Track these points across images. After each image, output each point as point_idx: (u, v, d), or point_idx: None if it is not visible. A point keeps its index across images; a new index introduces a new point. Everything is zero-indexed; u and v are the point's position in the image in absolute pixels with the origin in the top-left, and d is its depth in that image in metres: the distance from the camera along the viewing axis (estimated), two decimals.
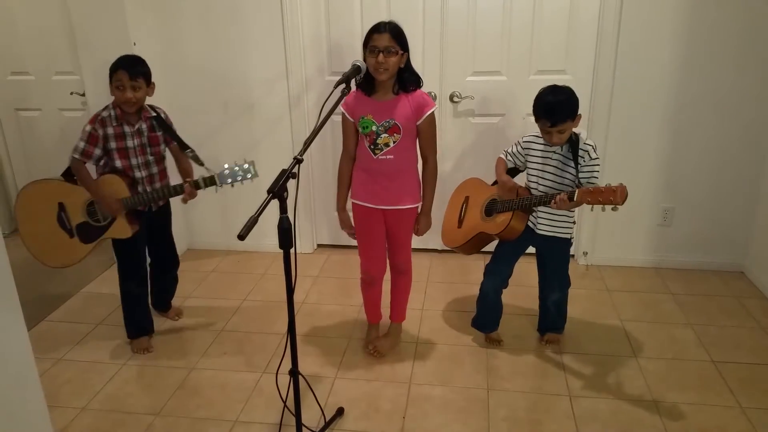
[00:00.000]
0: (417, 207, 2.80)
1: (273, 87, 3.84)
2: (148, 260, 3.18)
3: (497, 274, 2.95)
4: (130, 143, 2.83)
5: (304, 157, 1.99)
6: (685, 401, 2.61)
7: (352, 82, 2.53)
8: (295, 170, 1.95)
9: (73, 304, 3.59)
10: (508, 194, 2.79)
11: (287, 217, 1.92)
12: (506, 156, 2.90)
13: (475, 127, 3.81)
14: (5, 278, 1.97)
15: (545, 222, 2.76)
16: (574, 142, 2.63)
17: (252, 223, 1.80)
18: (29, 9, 4.16)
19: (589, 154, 2.60)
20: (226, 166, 2.75)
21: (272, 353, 3.03)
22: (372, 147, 2.64)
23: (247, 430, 2.50)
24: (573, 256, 3.99)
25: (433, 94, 3.71)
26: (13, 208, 4.72)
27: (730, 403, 2.60)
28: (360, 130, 2.64)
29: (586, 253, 3.91)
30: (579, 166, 2.60)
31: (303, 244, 4.16)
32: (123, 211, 2.82)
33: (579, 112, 2.60)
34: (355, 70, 2.45)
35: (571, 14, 3.47)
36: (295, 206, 2.07)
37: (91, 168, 2.85)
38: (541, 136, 2.72)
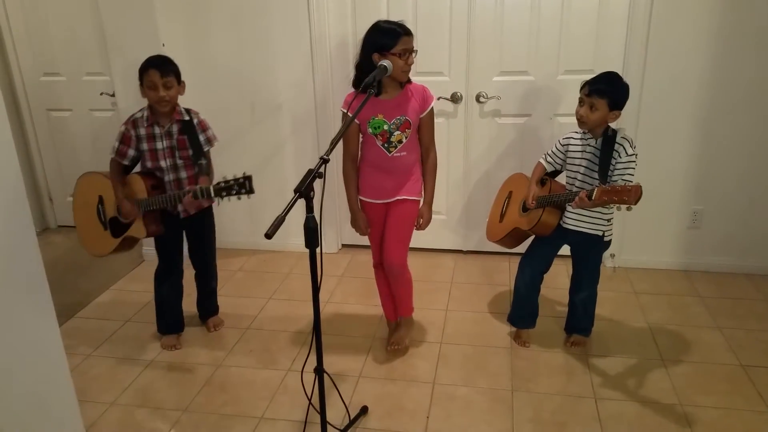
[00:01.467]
0: (419, 201, 2.81)
1: (299, 88, 3.86)
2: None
3: (527, 267, 2.96)
4: (159, 145, 2.85)
5: (330, 157, 1.99)
6: (712, 405, 2.57)
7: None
8: (321, 170, 1.96)
9: (103, 301, 3.65)
10: (542, 189, 2.81)
11: (313, 217, 1.94)
12: (545, 158, 2.90)
13: (501, 128, 3.79)
14: (38, 276, 2.02)
15: (572, 216, 2.75)
16: (609, 136, 2.61)
17: (279, 222, 1.81)
18: (61, 11, 4.24)
19: (625, 149, 2.57)
20: (223, 178, 2.58)
21: (297, 351, 3.05)
22: (386, 145, 2.65)
23: (273, 426, 2.53)
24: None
25: (459, 93, 3.71)
26: (48, 203, 4.84)
27: (759, 407, 2.56)
28: (370, 131, 2.64)
29: (614, 255, 3.87)
30: (614, 161, 2.59)
31: (328, 244, 4.18)
32: (136, 212, 2.82)
33: (620, 111, 2.60)
34: (383, 70, 2.44)
35: (600, 12, 3.44)
36: (321, 206, 2.08)
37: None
38: (578, 132, 2.74)
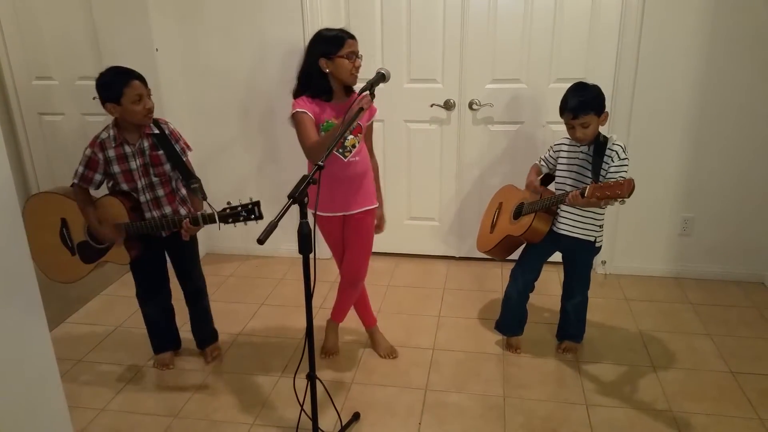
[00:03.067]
0: (375, 208, 2.81)
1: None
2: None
3: (520, 277, 2.96)
4: (132, 164, 2.60)
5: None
6: (703, 412, 2.58)
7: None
8: (315, 176, 1.97)
9: (93, 307, 3.63)
10: (533, 196, 2.82)
11: (307, 223, 1.94)
12: (540, 161, 2.93)
13: (494, 135, 3.81)
14: (29, 281, 2.01)
15: (564, 221, 2.76)
16: (601, 143, 2.63)
17: (272, 227, 1.81)
18: (54, 14, 4.23)
19: (618, 154, 2.59)
20: (228, 204, 2.43)
21: (289, 358, 3.05)
22: (341, 151, 2.61)
23: None
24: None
25: (452, 101, 3.73)
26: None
27: (749, 414, 2.57)
28: (322, 134, 2.55)
29: (605, 262, 3.88)
30: (606, 165, 2.60)
31: (320, 249, 4.16)
32: (120, 238, 2.61)
33: (606, 110, 2.62)
34: (380, 77, 2.42)
35: (592, 21, 3.47)
36: (315, 211, 2.08)
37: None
38: (569, 138, 2.75)
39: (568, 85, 3.55)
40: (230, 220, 2.40)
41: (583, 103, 2.56)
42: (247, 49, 3.82)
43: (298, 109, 2.53)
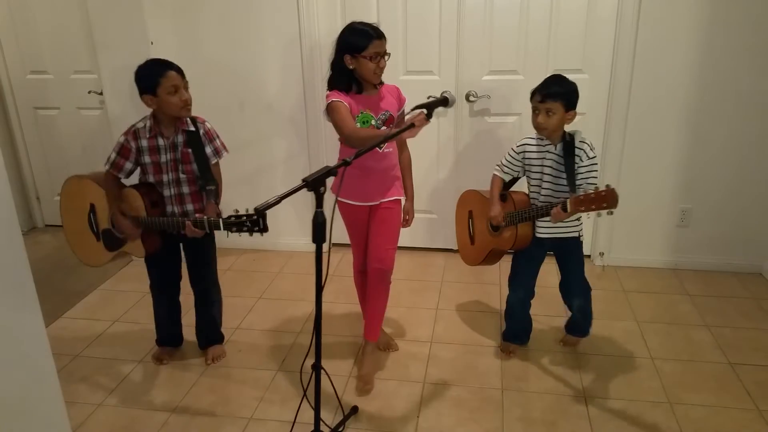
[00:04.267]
0: (402, 200, 2.80)
1: (289, 87, 3.85)
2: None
3: (520, 286, 2.91)
4: (163, 158, 2.62)
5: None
6: (701, 403, 2.59)
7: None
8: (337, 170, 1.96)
9: (90, 301, 3.63)
10: (506, 209, 2.76)
11: (322, 212, 1.92)
12: (501, 170, 2.81)
13: (491, 127, 3.80)
14: (24, 275, 2.00)
15: (544, 224, 2.70)
16: (568, 142, 2.59)
17: (274, 202, 1.79)
18: (48, 8, 4.21)
19: (586, 153, 2.56)
20: (235, 211, 2.34)
21: (287, 351, 3.04)
22: None
23: (263, 427, 2.52)
24: (589, 256, 3.97)
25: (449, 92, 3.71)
26: (34, 202, 4.80)
27: (747, 405, 2.57)
28: (358, 125, 2.56)
29: (603, 253, 3.88)
30: (576, 166, 2.57)
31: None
32: (136, 231, 2.63)
33: (575, 110, 2.58)
34: (443, 101, 2.37)
35: (589, 12, 3.45)
36: (335, 205, 2.06)
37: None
38: (533, 138, 2.71)
39: (566, 75, 3.56)
40: (234, 229, 2.32)
41: (556, 90, 2.54)
42: (243, 42, 3.80)
43: (333, 99, 2.52)
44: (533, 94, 2.60)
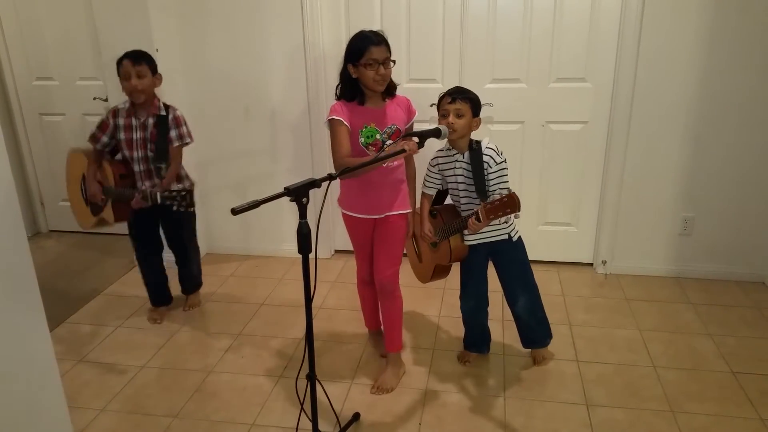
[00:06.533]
0: (408, 214, 2.77)
1: (292, 93, 3.87)
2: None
3: (468, 297, 2.91)
4: (134, 136, 3.02)
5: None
6: (704, 412, 2.58)
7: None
8: (323, 184, 1.98)
9: (94, 306, 3.63)
10: (434, 225, 2.78)
11: (306, 223, 1.94)
12: (425, 186, 2.83)
13: (494, 135, 3.80)
14: (29, 280, 2.01)
15: (468, 231, 2.67)
16: (474, 149, 2.60)
17: (253, 205, 1.78)
18: (54, 15, 4.24)
19: (493, 159, 2.57)
20: (173, 187, 3.03)
21: (289, 358, 3.05)
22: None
23: None
24: (592, 264, 3.97)
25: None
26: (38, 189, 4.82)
27: (750, 414, 2.57)
28: (362, 140, 2.56)
29: (605, 261, 3.88)
30: (486, 173, 2.57)
31: (320, 249, 4.17)
32: (98, 194, 3.06)
33: (480, 118, 2.63)
34: (435, 132, 2.39)
35: (592, 21, 3.47)
36: (320, 216, 2.07)
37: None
38: (442, 149, 2.73)
39: (569, 84, 3.60)
40: (167, 203, 2.80)
41: (464, 94, 2.57)
42: (248, 49, 3.82)
43: (333, 117, 2.53)
44: (439, 100, 2.62)
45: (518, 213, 2.34)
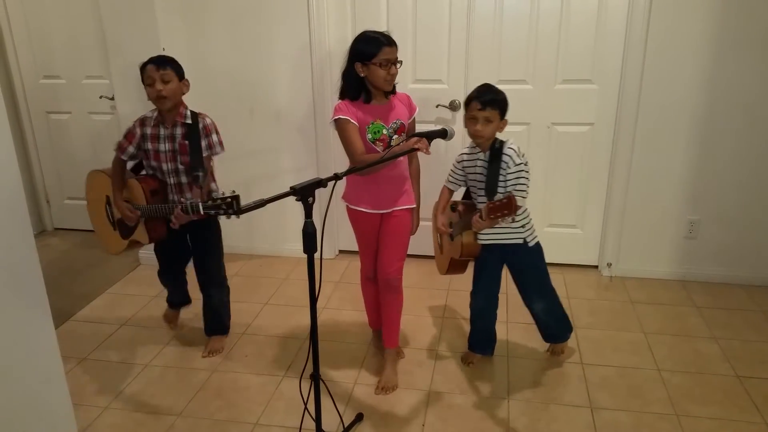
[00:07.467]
0: (412, 209, 2.80)
1: (298, 94, 3.87)
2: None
3: (478, 294, 2.90)
4: (161, 147, 2.80)
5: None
6: (708, 416, 2.57)
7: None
8: (329, 183, 1.98)
9: (98, 305, 3.64)
10: (449, 219, 2.78)
11: (312, 222, 1.94)
12: (449, 181, 2.85)
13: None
14: (35, 278, 2.01)
15: (484, 232, 2.67)
16: (497, 149, 2.59)
17: (257, 205, 1.79)
18: (62, 14, 4.25)
19: (512, 159, 2.54)
20: (213, 193, 2.39)
21: (293, 357, 3.05)
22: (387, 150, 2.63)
23: None
24: (597, 266, 3.96)
25: (457, 102, 3.72)
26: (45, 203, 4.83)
27: (754, 419, 2.56)
28: (369, 136, 2.60)
29: (610, 264, 3.87)
30: (503, 172, 2.56)
31: (325, 249, 4.18)
32: (135, 218, 2.82)
33: (507, 119, 2.59)
34: (442, 133, 2.42)
35: (598, 23, 3.46)
36: (326, 215, 2.08)
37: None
38: (468, 147, 2.73)
39: (575, 86, 3.58)
40: (212, 212, 2.32)
41: (493, 98, 2.53)
42: (254, 49, 3.82)
43: (340, 116, 2.55)
44: (469, 101, 2.59)
45: (514, 217, 2.30)
